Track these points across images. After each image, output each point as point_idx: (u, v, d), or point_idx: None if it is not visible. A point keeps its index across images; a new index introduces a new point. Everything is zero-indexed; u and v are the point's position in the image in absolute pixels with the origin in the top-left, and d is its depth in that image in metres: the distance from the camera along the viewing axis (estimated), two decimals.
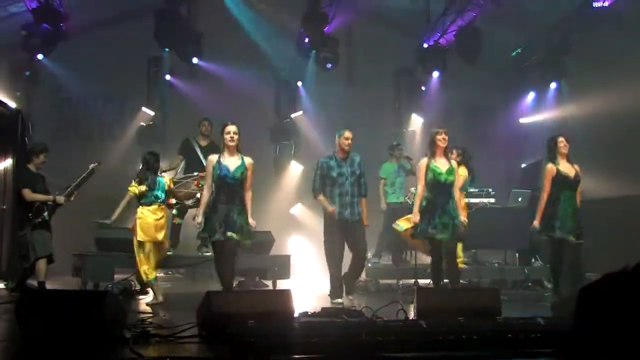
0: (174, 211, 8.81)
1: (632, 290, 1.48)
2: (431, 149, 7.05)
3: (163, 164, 9.59)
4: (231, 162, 6.44)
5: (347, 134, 7.13)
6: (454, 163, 7.05)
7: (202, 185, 7.62)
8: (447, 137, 7.01)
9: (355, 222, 7.08)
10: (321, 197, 7.16)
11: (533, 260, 9.34)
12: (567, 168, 7.16)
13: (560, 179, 7.10)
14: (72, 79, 11.19)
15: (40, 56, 10.44)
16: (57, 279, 8.22)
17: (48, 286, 7.39)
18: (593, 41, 11.34)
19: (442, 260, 6.94)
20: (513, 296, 7.90)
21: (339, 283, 7.06)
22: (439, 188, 6.89)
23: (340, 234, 7.05)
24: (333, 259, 7.07)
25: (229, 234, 6.28)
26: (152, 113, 11.76)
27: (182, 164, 9.52)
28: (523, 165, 12.50)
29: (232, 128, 6.47)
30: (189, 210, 8.61)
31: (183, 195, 8.48)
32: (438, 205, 6.85)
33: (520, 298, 7.94)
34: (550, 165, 7.20)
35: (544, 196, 7.17)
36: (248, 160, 6.51)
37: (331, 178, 7.13)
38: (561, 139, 7.25)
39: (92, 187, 7.92)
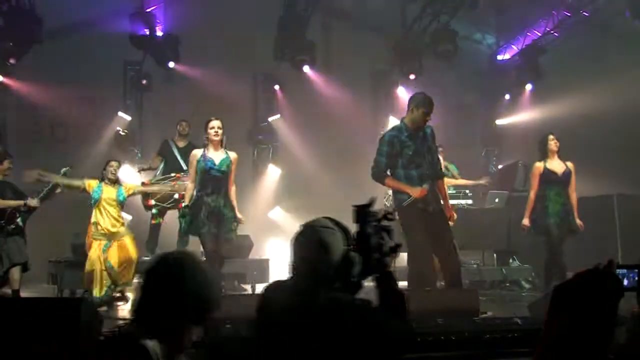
0: (154, 210, 8.85)
1: (603, 288, 1.51)
2: None
3: (144, 164, 9.84)
4: (216, 155, 6.48)
5: (429, 107, 5.71)
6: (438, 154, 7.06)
7: (180, 186, 7.67)
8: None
9: (439, 212, 5.75)
10: (392, 181, 5.74)
11: (511, 260, 9.41)
12: (555, 165, 7.21)
13: (546, 177, 7.16)
14: (46, 83, 11.00)
15: (12, 60, 10.24)
16: (33, 286, 8.09)
17: (23, 294, 7.25)
18: (568, 42, 11.47)
19: None
20: (491, 296, 7.95)
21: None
22: None
23: (425, 228, 5.54)
24: (424, 260, 5.54)
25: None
26: (128, 118, 11.64)
27: (162, 165, 9.49)
28: (500, 167, 12.58)
29: (216, 123, 6.51)
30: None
31: (161, 196, 8.58)
32: None
33: (498, 298, 7.99)
34: (537, 164, 7.27)
35: (531, 195, 7.24)
36: (233, 155, 6.58)
37: (406, 157, 5.69)
38: (551, 136, 7.30)
39: (68, 192, 7.80)
